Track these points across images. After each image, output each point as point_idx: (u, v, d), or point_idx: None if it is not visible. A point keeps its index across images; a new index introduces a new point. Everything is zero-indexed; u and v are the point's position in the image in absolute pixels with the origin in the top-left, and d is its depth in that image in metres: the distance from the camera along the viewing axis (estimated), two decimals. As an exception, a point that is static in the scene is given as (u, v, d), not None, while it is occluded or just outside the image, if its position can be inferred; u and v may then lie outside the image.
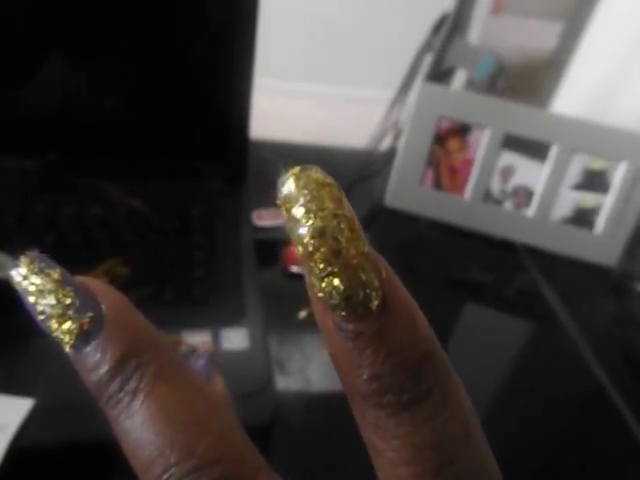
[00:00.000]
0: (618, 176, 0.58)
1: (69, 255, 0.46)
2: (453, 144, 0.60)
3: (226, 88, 0.54)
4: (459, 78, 0.91)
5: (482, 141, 0.59)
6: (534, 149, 0.59)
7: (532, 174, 0.60)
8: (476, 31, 1.10)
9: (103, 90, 0.53)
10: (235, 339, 0.42)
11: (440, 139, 0.60)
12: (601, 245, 0.59)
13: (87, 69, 0.52)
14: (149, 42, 0.52)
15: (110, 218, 0.50)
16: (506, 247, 0.61)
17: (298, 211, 0.11)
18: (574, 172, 0.59)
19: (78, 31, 0.50)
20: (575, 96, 1.01)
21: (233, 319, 0.44)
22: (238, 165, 0.56)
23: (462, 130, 0.60)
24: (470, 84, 0.87)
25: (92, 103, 0.53)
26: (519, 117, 0.58)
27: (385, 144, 0.83)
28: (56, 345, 0.39)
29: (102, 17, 0.50)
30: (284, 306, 0.49)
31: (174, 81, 0.54)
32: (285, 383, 0.43)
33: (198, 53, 0.53)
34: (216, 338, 0.42)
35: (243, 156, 0.56)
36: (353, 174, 0.69)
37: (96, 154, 0.53)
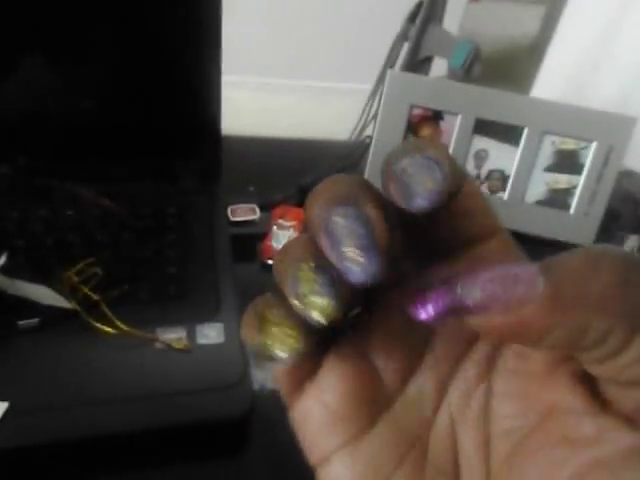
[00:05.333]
0: (589, 156, 0.58)
1: (42, 257, 0.46)
2: (426, 131, 0.60)
3: (195, 85, 0.54)
4: (437, 67, 0.91)
5: (454, 127, 0.60)
6: (506, 133, 0.59)
7: (505, 158, 0.60)
8: (455, 19, 1.10)
9: (72, 92, 0.53)
10: (210, 334, 0.43)
11: (413, 127, 0.61)
12: (576, 225, 0.60)
13: (55, 71, 0.52)
14: (117, 44, 0.52)
15: (83, 220, 0.50)
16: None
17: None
18: (546, 154, 0.59)
19: (47, 34, 0.50)
20: (553, 81, 1.01)
21: (208, 314, 0.44)
22: (211, 162, 0.57)
23: (434, 117, 0.60)
24: (452, 72, 0.87)
25: (61, 105, 0.53)
26: (490, 102, 0.59)
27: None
28: (29, 348, 0.38)
29: (70, 20, 0.50)
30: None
31: (143, 81, 0.54)
32: (262, 375, 0.44)
33: (165, 52, 0.53)
34: (191, 334, 0.42)
35: (216, 153, 0.56)
36: (333, 165, 0.69)
37: (68, 156, 0.53)
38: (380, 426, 0.17)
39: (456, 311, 0.14)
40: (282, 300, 0.16)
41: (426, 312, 0.14)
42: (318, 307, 0.15)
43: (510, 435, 0.16)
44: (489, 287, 0.13)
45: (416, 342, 0.17)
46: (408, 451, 0.17)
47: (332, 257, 0.15)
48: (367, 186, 0.16)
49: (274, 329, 0.15)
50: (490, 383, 0.17)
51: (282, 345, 0.15)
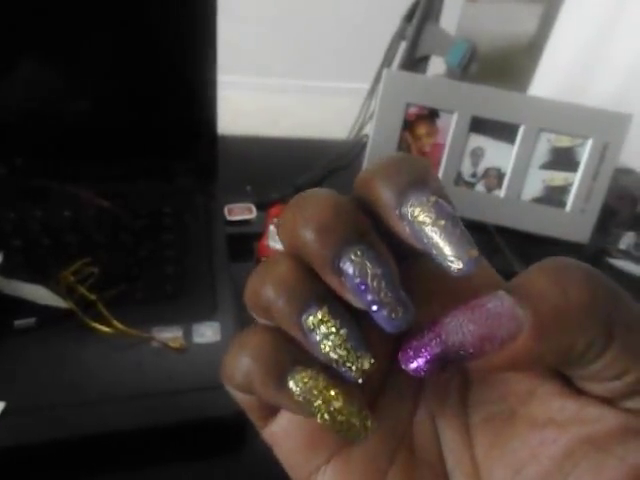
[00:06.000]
0: (585, 153, 0.58)
1: (39, 257, 0.46)
2: (422, 129, 0.61)
3: (190, 85, 0.54)
4: (435, 65, 0.92)
5: (450, 125, 0.60)
6: (502, 131, 0.60)
7: (502, 155, 0.60)
8: (452, 18, 1.10)
9: (68, 92, 0.53)
10: (207, 333, 0.43)
11: (409, 125, 0.61)
12: (572, 222, 0.60)
13: (50, 71, 0.52)
14: (112, 44, 0.52)
15: (80, 220, 0.50)
16: (479, 229, 0.62)
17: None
18: (542, 151, 0.59)
19: (43, 35, 0.50)
20: (550, 79, 1.01)
21: (205, 313, 0.44)
22: (208, 161, 0.57)
23: (430, 115, 0.60)
24: (449, 71, 0.87)
25: (57, 105, 0.53)
26: (485, 100, 0.59)
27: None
28: (25, 348, 0.38)
29: (66, 20, 0.50)
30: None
31: (139, 81, 0.54)
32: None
33: (160, 52, 0.53)
34: (188, 333, 0.42)
35: (212, 152, 0.57)
36: (330, 164, 0.70)
37: (64, 157, 0.53)
38: None
39: (450, 359, 0.14)
40: (298, 348, 0.15)
41: (419, 365, 0.14)
42: (354, 369, 0.14)
43: (491, 420, 0.16)
44: (476, 330, 0.14)
45: (389, 342, 0.17)
46: (397, 448, 0.17)
47: (359, 303, 0.14)
48: (361, 214, 0.15)
49: (305, 383, 0.15)
50: (465, 375, 0.17)
51: (322, 403, 0.14)
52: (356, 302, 0.15)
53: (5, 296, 0.41)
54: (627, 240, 0.61)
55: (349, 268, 0.14)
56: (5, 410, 0.35)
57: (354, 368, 0.14)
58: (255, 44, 2.09)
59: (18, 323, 0.40)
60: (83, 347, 0.40)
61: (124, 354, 0.40)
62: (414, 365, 0.14)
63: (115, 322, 0.41)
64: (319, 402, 0.14)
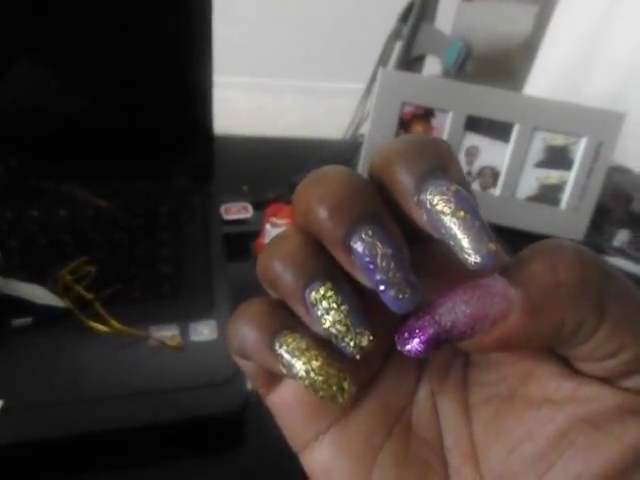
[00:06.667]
0: (580, 151, 0.58)
1: (36, 257, 0.46)
2: (417, 128, 0.61)
3: (186, 85, 0.54)
4: (430, 65, 0.92)
5: (446, 124, 0.60)
6: (497, 130, 0.60)
7: (497, 154, 0.60)
8: (447, 17, 1.10)
9: (63, 92, 0.53)
10: (204, 331, 0.43)
11: (405, 124, 0.61)
12: (567, 220, 0.60)
13: (46, 71, 0.52)
14: (108, 44, 0.52)
15: (77, 219, 0.50)
16: (475, 228, 0.62)
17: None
18: (537, 150, 0.59)
19: (39, 35, 0.50)
20: (546, 78, 1.02)
21: (202, 312, 0.44)
22: (204, 161, 0.57)
23: (426, 114, 0.61)
24: (445, 70, 0.88)
25: (53, 105, 0.53)
26: (480, 99, 0.59)
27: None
28: (23, 347, 0.38)
29: (62, 20, 0.50)
30: (255, 296, 0.50)
31: (135, 81, 0.54)
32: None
33: (157, 53, 0.53)
34: (185, 331, 0.42)
35: (209, 152, 0.57)
36: (325, 163, 0.70)
37: (60, 156, 0.54)
38: (366, 403, 0.17)
39: (443, 339, 0.14)
40: (292, 317, 0.15)
41: (413, 346, 0.15)
42: (352, 345, 0.15)
43: (490, 400, 0.17)
44: (469, 310, 0.14)
45: (395, 321, 0.17)
46: (395, 423, 0.17)
47: (367, 282, 0.15)
48: (376, 194, 0.15)
49: (295, 351, 0.15)
50: (466, 355, 0.18)
51: (303, 363, 0.15)
52: (364, 281, 0.15)
53: (2, 295, 0.41)
54: (621, 238, 0.61)
55: (359, 247, 0.14)
56: (3, 408, 0.35)
57: (352, 344, 0.15)
58: (251, 44, 2.09)
59: (16, 322, 0.41)
60: (80, 346, 0.40)
61: (121, 353, 0.40)
62: (409, 346, 0.15)
63: (112, 321, 0.41)
64: (300, 362, 0.15)
